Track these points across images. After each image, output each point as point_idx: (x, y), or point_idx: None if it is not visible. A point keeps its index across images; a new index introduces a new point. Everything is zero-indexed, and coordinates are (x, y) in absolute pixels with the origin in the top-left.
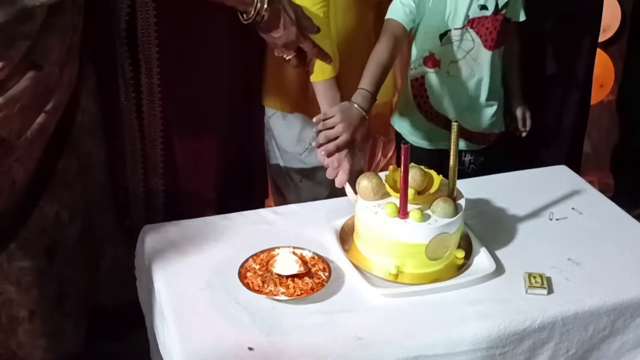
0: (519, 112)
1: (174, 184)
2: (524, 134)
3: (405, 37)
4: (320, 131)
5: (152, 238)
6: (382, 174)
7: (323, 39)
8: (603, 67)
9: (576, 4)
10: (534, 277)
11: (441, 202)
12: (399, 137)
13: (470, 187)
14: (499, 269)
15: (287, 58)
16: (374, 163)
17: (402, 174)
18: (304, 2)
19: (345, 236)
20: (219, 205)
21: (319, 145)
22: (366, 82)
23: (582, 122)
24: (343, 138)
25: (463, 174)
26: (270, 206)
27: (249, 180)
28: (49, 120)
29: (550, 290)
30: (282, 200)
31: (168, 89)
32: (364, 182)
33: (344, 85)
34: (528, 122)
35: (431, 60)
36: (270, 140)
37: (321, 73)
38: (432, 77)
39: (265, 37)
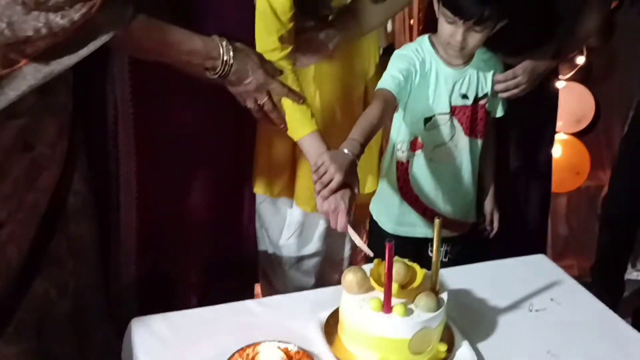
0: (488, 211)
1: (164, 266)
2: (490, 234)
3: (394, 105)
4: (315, 181)
5: (139, 332)
6: (367, 267)
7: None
8: (579, 156)
9: (534, 100)
10: None
11: (424, 296)
12: (372, 224)
13: (450, 277)
14: None
15: (261, 103)
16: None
17: (386, 270)
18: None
19: (330, 329)
20: (209, 289)
21: (317, 193)
22: (356, 133)
23: (545, 209)
24: (336, 179)
25: (440, 263)
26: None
27: (239, 265)
28: (41, 199)
29: None
30: (268, 286)
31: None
32: (349, 276)
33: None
34: (495, 224)
35: (415, 143)
36: (261, 229)
37: (303, 127)
38: (417, 161)
39: (235, 90)
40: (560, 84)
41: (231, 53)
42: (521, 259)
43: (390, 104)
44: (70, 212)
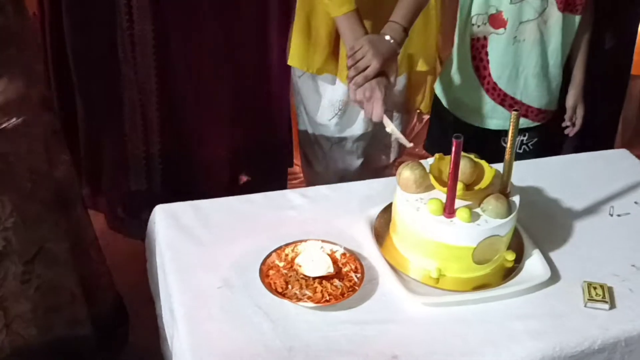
0: (570, 105)
1: (184, 145)
2: (569, 132)
3: None
4: (350, 67)
5: (165, 221)
6: (426, 162)
7: None
8: None
9: None
10: (594, 288)
11: (493, 200)
12: (435, 106)
13: (522, 172)
14: (554, 276)
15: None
16: (409, 127)
17: (451, 169)
18: None
19: (381, 228)
20: (237, 169)
21: (350, 80)
22: (397, 15)
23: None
24: (372, 67)
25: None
26: (297, 174)
27: (272, 147)
28: None
29: (612, 305)
30: (309, 169)
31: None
32: (406, 173)
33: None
34: (578, 121)
35: (498, 19)
36: (299, 105)
37: (339, 4)
38: (496, 40)
39: None
40: None
41: None
42: (601, 153)
43: None
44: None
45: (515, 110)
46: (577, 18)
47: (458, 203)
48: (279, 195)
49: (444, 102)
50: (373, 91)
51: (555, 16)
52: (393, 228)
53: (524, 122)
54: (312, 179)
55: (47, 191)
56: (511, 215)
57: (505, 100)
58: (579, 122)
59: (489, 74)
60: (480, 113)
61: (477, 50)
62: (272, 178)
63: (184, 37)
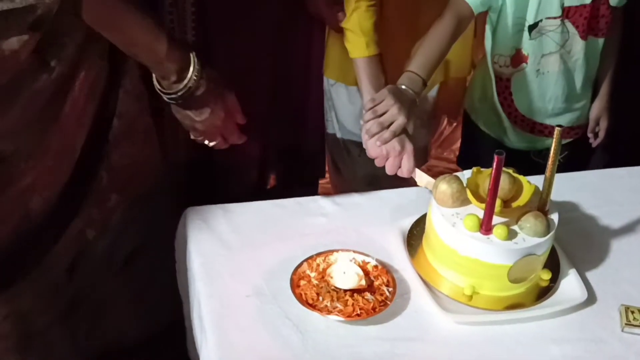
0: (593, 117)
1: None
2: (592, 143)
3: (471, 21)
4: (369, 120)
5: (195, 224)
6: (462, 175)
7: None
8: None
9: None
10: (632, 312)
11: (532, 217)
12: (466, 118)
13: (558, 185)
14: (591, 298)
15: (210, 145)
16: (438, 131)
17: (490, 186)
18: None
19: (414, 240)
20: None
21: (372, 136)
22: (417, 64)
23: None
24: (399, 121)
25: (540, 170)
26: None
27: (305, 157)
28: (72, 140)
29: None
30: (337, 174)
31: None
32: (443, 187)
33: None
34: (601, 133)
35: (517, 57)
36: (330, 111)
37: (359, 47)
38: (519, 77)
39: (180, 114)
40: None
41: (199, 83)
42: (638, 169)
43: (464, 23)
44: (113, 140)
45: (558, 126)
46: (601, 40)
47: (495, 220)
48: (310, 201)
49: (475, 121)
50: (402, 145)
51: (578, 45)
52: (427, 242)
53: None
54: (340, 184)
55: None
56: (550, 234)
57: (534, 127)
58: (602, 134)
59: (515, 109)
60: (509, 138)
61: (501, 89)
62: (303, 188)
63: (221, 43)
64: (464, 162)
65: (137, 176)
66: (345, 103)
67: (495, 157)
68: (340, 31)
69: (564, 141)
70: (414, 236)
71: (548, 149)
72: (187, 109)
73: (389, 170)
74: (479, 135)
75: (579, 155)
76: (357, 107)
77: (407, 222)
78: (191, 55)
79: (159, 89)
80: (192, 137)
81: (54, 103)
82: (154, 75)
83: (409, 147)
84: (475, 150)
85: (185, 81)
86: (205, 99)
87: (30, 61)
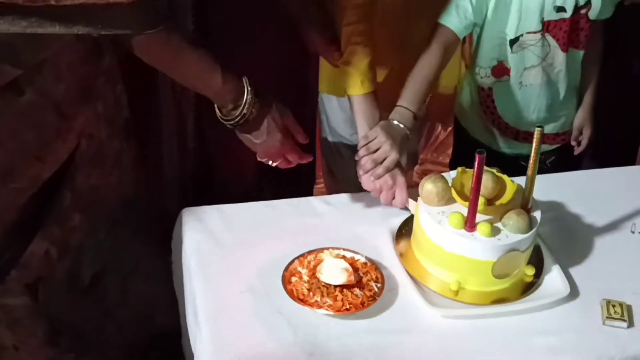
0: (576, 125)
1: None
2: (575, 151)
3: (457, 47)
4: (363, 156)
5: (191, 224)
6: (448, 175)
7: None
8: None
9: None
10: (613, 306)
11: (514, 215)
12: (458, 128)
13: (543, 186)
14: (573, 293)
15: (273, 165)
16: (433, 135)
17: (473, 184)
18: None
19: (402, 239)
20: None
21: (366, 172)
22: (407, 99)
23: None
24: (392, 157)
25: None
26: (319, 180)
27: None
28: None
29: (630, 323)
30: (331, 176)
31: None
32: (428, 186)
33: (385, 101)
34: (584, 142)
35: (500, 69)
36: (322, 114)
37: (354, 85)
38: (501, 87)
39: (243, 138)
40: None
41: (253, 108)
42: (622, 169)
43: (451, 49)
44: (79, 160)
45: (539, 126)
46: (582, 52)
47: (479, 217)
48: (302, 201)
49: (464, 126)
50: (395, 179)
51: (560, 57)
52: (414, 239)
53: (543, 147)
54: (334, 187)
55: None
56: (532, 231)
57: (518, 134)
58: (584, 142)
59: (499, 117)
60: (496, 144)
61: (483, 99)
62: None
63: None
64: (455, 165)
65: (104, 198)
66: (335, 108)
67: (477, 156)
68: (337, 66)
69: (551, 147)
70: (403, 235)
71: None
72: (246, 133)
73: (384, 202)
74: (469, 139)
75: (566, 161)
76: (347, 114)
77: (396, 222)
78: (244, 82)
79: (220, 117)
80: (257, 158)
81: (23, 124)
82: (215, 105)
83: (401, 180)
84: (466, 154)
85: (241, 108)
86: (260, 122)
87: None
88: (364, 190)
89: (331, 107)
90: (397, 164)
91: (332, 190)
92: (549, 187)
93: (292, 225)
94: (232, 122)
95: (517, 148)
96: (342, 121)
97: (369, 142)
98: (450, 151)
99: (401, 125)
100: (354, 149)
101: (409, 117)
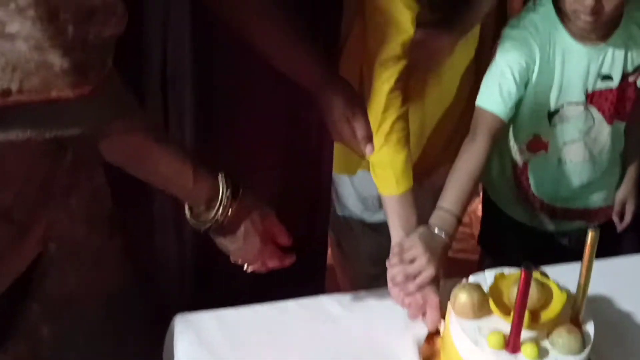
0: (619, 200)
1: None
2: (617, 228)
3: (504, 132)
4: (395, 266)
5: (184, 335)
6: (483, 280)
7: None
8: None
9: None
10: None
11: (564, 332)
12: (486, 203)
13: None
14: None
15: (249, 270)
16: None
17: (517, 302)
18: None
19: (430, 352)
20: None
21: (396, 285)
22: (449, 200)
23: None
24: (427, 274)
25: (566, 252)
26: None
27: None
28: None
29: None
30: (339, 250)
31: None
32: (463, 297)
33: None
34: (627, 217)
35: (536, 143)
36: (332, 185)
37: (394, 186)
38: (537, 163)
39: (216, 240)
40: None
41: (228, 211)
42: None
43: (498, 136)
44: (48, 266)
45: (594, 226)
46: (624, 124)
47: (523, 335)
48: (313, 302)
49: (490, 195)
50: (426, 298)
51: (605, 131)
52: (445, 356)
53: (579, 224)
54: (342, 261)
55: None
56: (585, 351)
57: (555, 212)
58: (627, 217)
59: (533, 195)
60: (530, 220)
61: (517, 176)
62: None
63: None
64: (485, 241)
65: (81, 304)
66: (346, 186)
67: (523, 270)
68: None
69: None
70: (430, 349)
71: (575, 231)
72: (219, 236)
73: (410, 319)
74: (499, 212)
75: (607, 241)
76: (359, 192)
77: (423, 332)
78: (220, 181)
79: (189, 219)
80: (232, 260)
81: None
82: (185, 204)
83: (433, 299)
84: (497, 230)
85: (214, 210)
86: (237, 227)
87: None
88: (378, 270)
89: (342, 185)
90: (433, 280)
91: (340, 264)
92: (595, 275)
93: (303, 334)
94: (203, 226)
95: (554, 225)
96: (353, 199)
97: (403, 251)
98: (470, 209)
99: (442, 235)
100: (364, 224)
101: (452, 223)
